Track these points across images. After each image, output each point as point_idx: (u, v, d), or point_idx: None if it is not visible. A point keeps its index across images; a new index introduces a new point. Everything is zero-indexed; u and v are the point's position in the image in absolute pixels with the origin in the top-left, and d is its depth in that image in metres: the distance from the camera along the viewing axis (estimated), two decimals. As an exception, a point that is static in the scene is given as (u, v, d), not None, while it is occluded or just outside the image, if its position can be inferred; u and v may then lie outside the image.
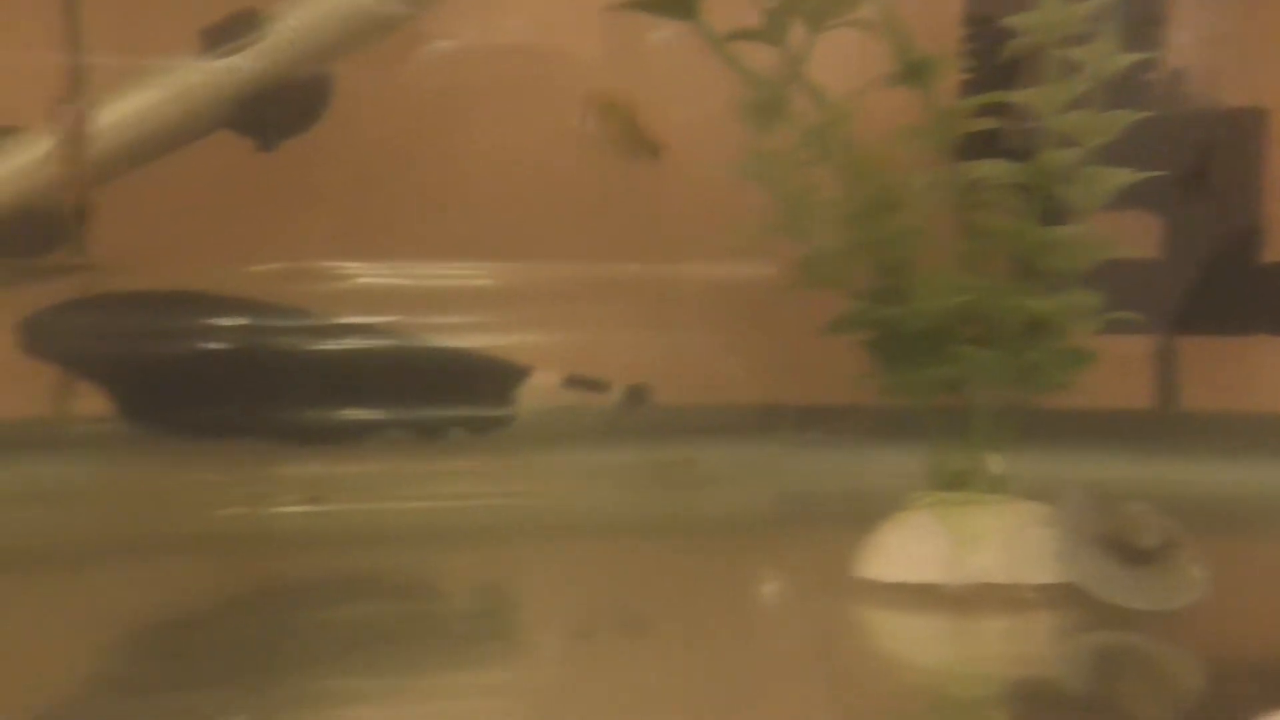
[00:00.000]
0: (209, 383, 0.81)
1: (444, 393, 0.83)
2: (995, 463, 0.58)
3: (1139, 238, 0.79)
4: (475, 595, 0.68)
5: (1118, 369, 0.66)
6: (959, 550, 0.55)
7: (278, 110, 0.79)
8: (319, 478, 0.79)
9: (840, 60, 0.56)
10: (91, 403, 0.80)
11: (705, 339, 0.83)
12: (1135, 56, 0.57)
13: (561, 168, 0.83)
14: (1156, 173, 0.58)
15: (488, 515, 0.79)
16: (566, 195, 0.82)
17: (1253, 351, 0.82)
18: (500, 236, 0.83)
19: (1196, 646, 0.53)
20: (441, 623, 0.59)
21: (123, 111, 0.77)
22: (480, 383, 0.84)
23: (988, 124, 0.58)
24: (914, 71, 0.57)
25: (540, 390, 0.82)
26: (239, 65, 0.75)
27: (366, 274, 0.82)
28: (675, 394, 0.84)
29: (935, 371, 0.57)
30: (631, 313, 0.82)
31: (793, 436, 0.83)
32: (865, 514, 0.57)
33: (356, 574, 0.70)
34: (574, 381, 0.84)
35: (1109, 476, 0.63)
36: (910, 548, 0.54)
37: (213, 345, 0.81)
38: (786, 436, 0.82)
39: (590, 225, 0.83)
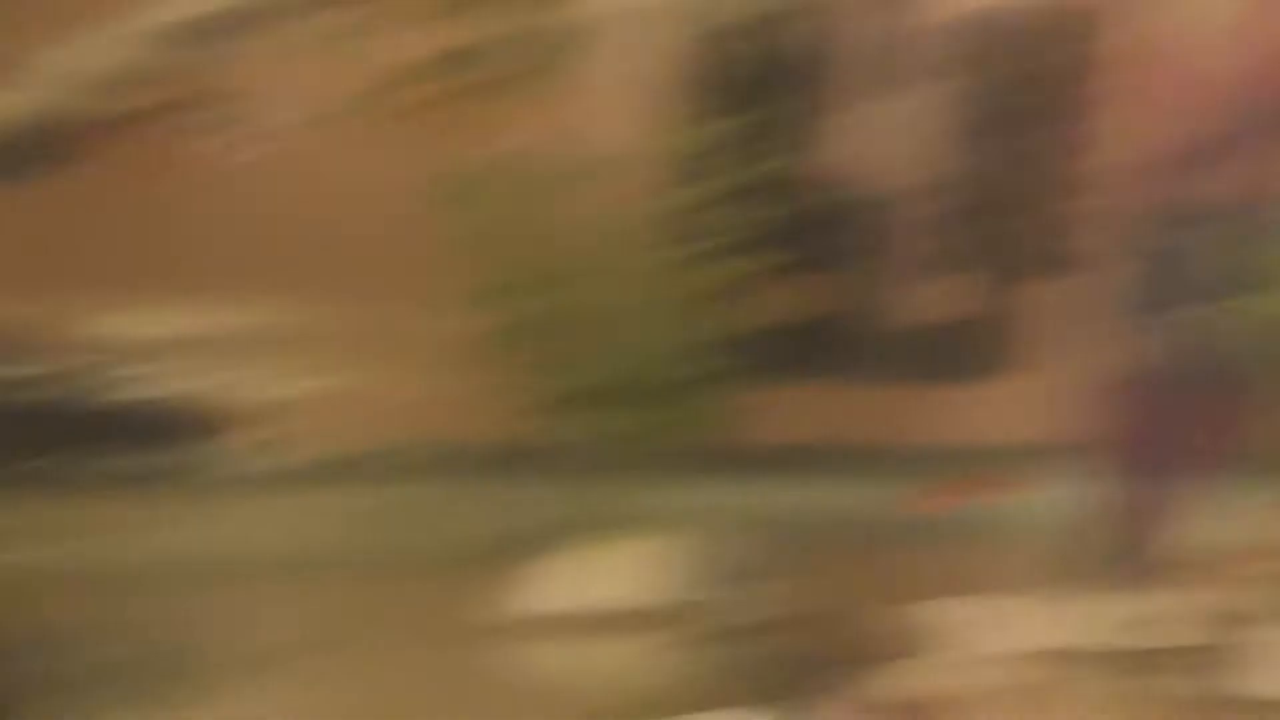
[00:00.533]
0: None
1: (138, 440, 0.83)
2: (639, 499, 0.64)
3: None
4: (163, 638, 0.68)
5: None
6: (602, 580, 0.61)
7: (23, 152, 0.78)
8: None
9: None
10: None
11: (396, 380, 0.82)
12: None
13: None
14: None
15: (183, 559, 0.79)
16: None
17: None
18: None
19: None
20: (130, 666, 0.61)
21: None
22: (173, 430, 0.83)
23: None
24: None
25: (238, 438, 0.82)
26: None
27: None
28: (372, 436, 0.87)
29: (593, 419, 0.63)
30: (324, 356, 0.82)
31: (468, 475, 0.87)
32: (529, 549, 0.65)
33: (52, 621, 0.68)
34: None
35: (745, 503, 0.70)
36: (564, 580, 0.62)
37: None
38: (465, 474, 0.86)
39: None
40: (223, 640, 0.67)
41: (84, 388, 0.80)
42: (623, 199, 0.67)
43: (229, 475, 0.79)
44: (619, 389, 0.65)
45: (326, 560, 0.79)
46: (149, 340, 0.80)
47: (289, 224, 0.79)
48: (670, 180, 0.67)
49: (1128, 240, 0.65)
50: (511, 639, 0.63)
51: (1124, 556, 0.66)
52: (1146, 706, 0.56)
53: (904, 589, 0.65)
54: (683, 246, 0.66)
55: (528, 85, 0.65)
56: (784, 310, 0.86)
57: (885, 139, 0.83)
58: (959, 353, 0.92)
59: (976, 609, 0.62)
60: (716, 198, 0.70)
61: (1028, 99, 0.80)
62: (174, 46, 0.71)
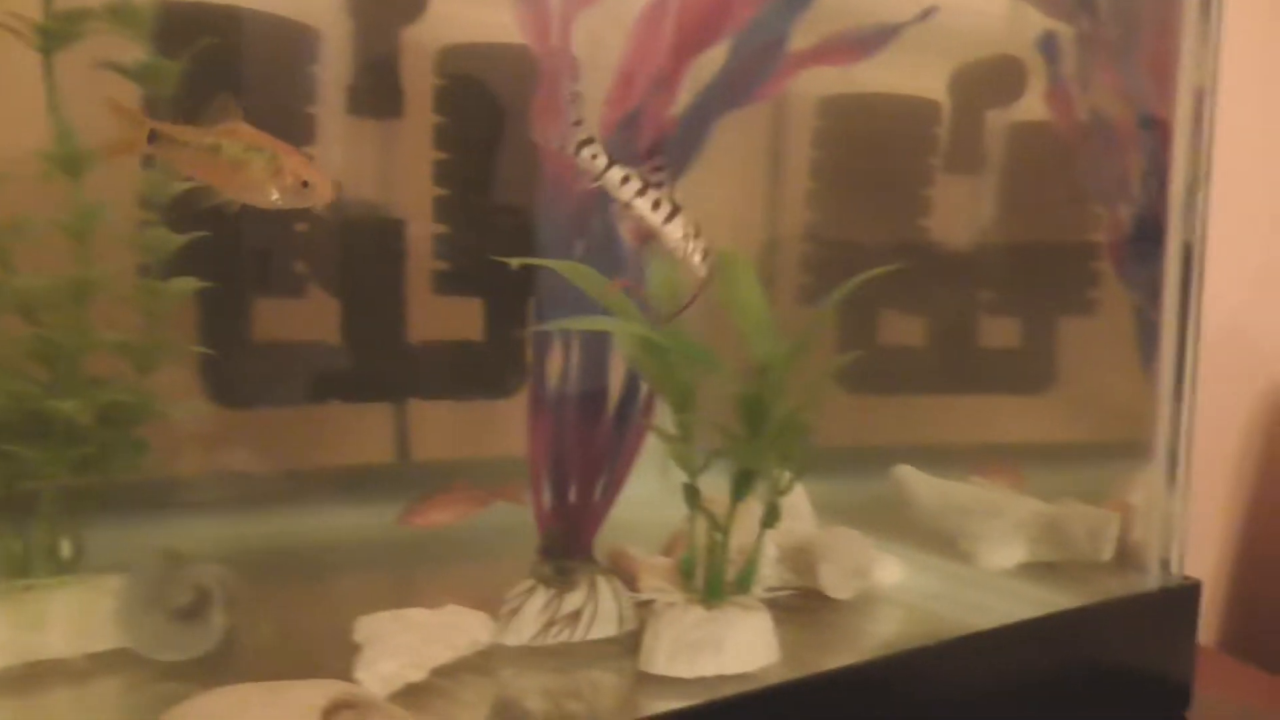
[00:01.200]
0: None
1: None
2: (64, 545, 0.64)
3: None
4: None
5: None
6: (20, 633, 0.60)
7: None
8: None
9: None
10: None
11: None
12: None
13: None
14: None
15: None
16: None
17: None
18: None
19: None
20: None
21: None
22: None
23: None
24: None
25: None
26: None
27: None
28: None
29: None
30: None
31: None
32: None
33: None
34: None
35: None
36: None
37: None
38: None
39: None
40: None
41: None
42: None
43: None
44: (19, 423, 0.58)
45: None
46: None
47: None
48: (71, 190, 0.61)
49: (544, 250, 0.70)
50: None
51: (554, 560, 0.70)
52: (575, 697, 0.60)
53: (362, 605, 0.64)
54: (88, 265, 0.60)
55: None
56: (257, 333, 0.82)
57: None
58: (459, 372, 0.95)
59: (421, 618, 0.63)
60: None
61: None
62: None
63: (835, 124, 1.16)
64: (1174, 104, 0.84)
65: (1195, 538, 1.61)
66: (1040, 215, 1.11)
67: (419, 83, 0.97)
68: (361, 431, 0.96)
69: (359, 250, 0.95)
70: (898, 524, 0.90)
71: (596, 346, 0.67)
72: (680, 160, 0.75)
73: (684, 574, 0.64)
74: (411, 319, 0.94)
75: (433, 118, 0.98)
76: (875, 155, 1.14)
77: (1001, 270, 1.14)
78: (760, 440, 0.61)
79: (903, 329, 1.15)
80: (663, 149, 0.73)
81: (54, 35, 0.64)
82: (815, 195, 1.16)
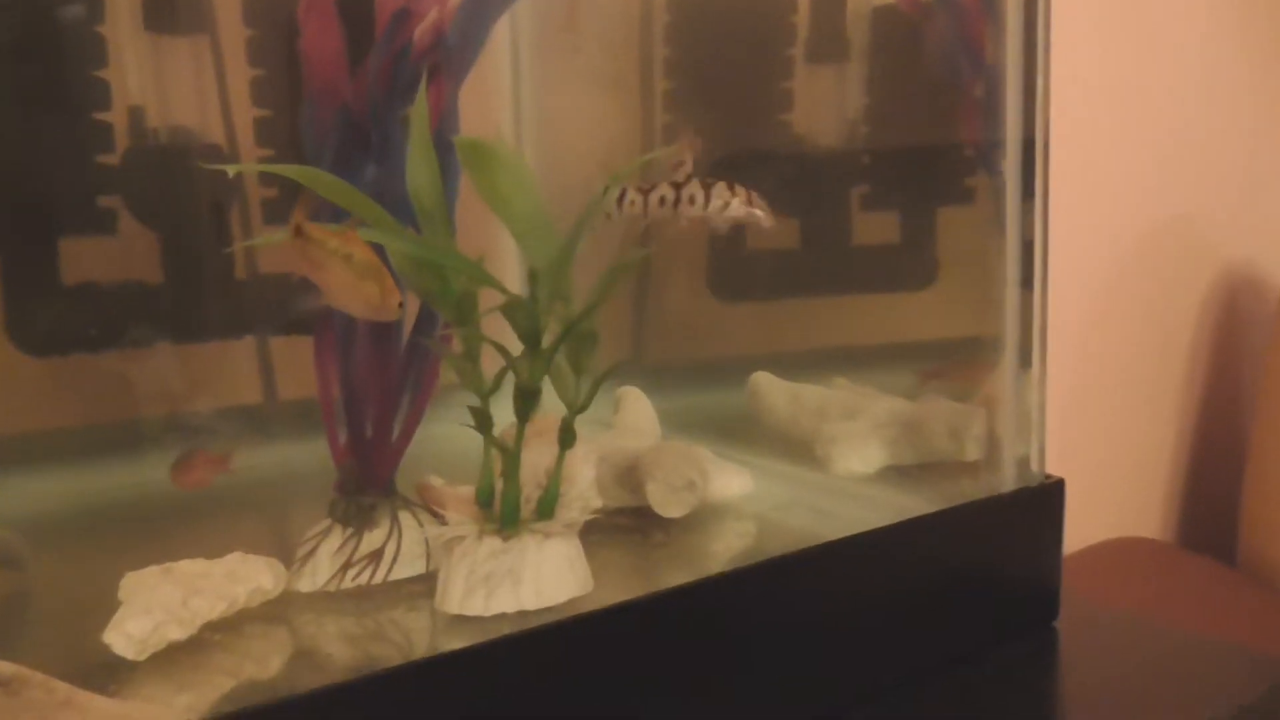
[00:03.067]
0: None
1: None
2: None
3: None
4: None
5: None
6: None
7: None
8: None
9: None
10: None
11: None
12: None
13: None
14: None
15: None
16: None
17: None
18: None
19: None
20: None
21: None
22: None
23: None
24: None
25: None
26: None
27: None
28: None
29: None
30: None
31: None
32: None
33: None
34: None
35: None
36: None
37: None
38: None
39: None
40: None
41: None
42: None
43: None
44: None
45: None
46: None
47: None
48: None
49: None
50: None
51: (350, 497, 0.66)
52: (361, 642, 0.55)
53: (148, 560, 0.59)
54: None
55: None
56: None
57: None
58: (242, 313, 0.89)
59: (196, 569, 0.58)
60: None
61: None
62: None
63: (687, 16, 1.09)
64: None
65: (1148, 431, 1.61)
66: (903, 103, 1.06)
67: None
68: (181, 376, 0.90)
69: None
70: (754, 434, 0.86)
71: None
72: (463, 55, 0.68)
73: (481, 504, 0.59)
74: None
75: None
76: (728, 48, 1.08)
77: (869, 164, 1.09)
78: (536, 354, 0.56)
79: (775, 231, 1.10)
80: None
81: None
82: (671, 98, 1.10)
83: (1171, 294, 1.59)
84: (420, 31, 0.67)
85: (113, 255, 0.88)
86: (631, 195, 0.59)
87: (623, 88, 1.12)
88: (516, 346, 0.57)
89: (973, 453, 0.79)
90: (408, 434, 0.65)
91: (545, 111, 1.08)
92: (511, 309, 0.54)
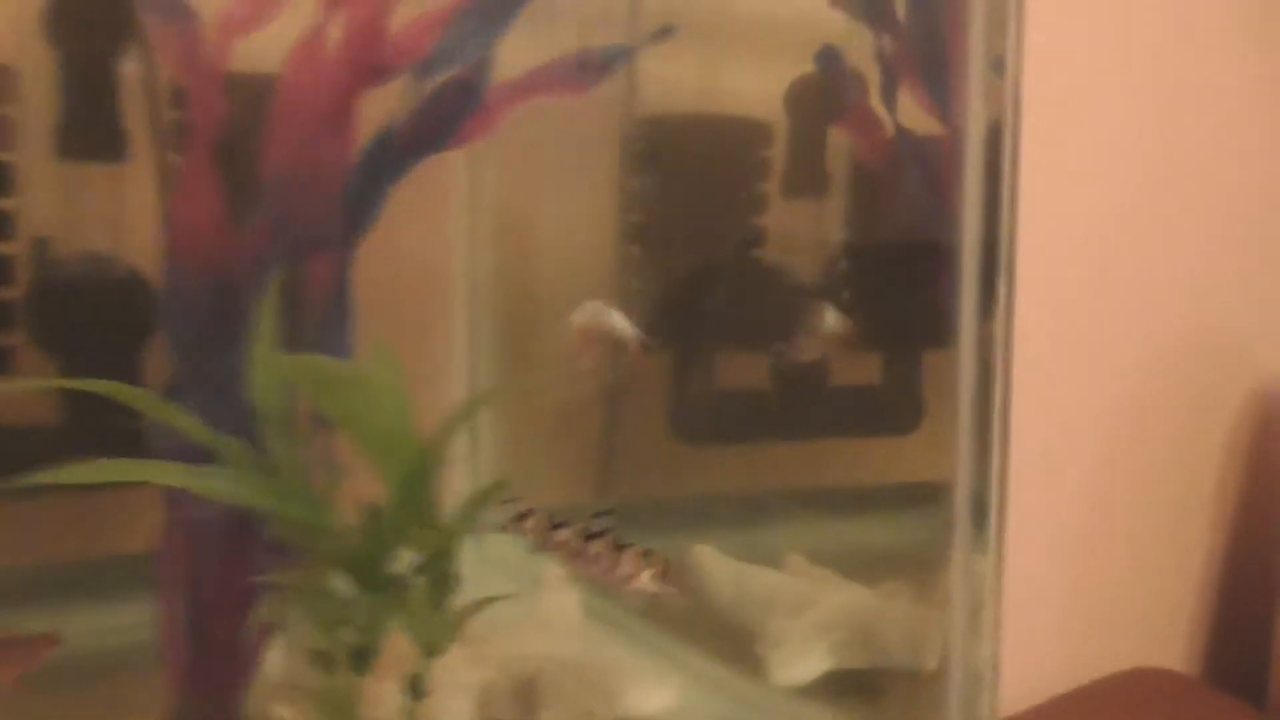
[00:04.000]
0: None
1: None
2: None
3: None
4: None
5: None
6: None
7: None
8: None
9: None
10: None
11: None
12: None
13: None
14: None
15: None
16: None
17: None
18: None
19: None
20: None
21: None
22: None
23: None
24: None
25: None
26: None
27: None
28: None
29: None
30: None
31: None
32: None
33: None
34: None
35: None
36: None
37: None
38: None
39: None
40: None
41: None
42: None
43: None
44: None
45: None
46: None
47: None
48: None
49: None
50: None
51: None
52: None
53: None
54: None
55: None
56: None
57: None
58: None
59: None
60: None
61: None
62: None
63: (657, 147, 1.02)
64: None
65: (1173, 554, 1.50)
66: (878, 241, 0.98)
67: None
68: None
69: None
70: (691, 617, 0.77)
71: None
72: (356, 220, 0.61)
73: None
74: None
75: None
76: (700, 180, 1.01)
77: (850, 302, 1.01)
78: (377, 598, 0.47)
79: (744, 370, 1.02)
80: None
81: None
82: (639, 229, 1.03)
83: (1201, 408, 1.48)
84: (307, 192, 0.60)
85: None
86: (533, 521, 0.52)
87: (597, 192, 1.05)
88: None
89: (930, 661, 0.69)
90: (257, 653, 0.56)
91: (509, 212, 1.01)
92: (338, 546, 0.46)
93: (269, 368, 0.48)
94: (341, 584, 0.49)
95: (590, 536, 0.50)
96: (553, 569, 0.77)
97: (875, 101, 0.82)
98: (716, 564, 0.79)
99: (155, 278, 0.85)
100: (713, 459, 1.02)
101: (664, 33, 0.62)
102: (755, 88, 1.00)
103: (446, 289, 1.01)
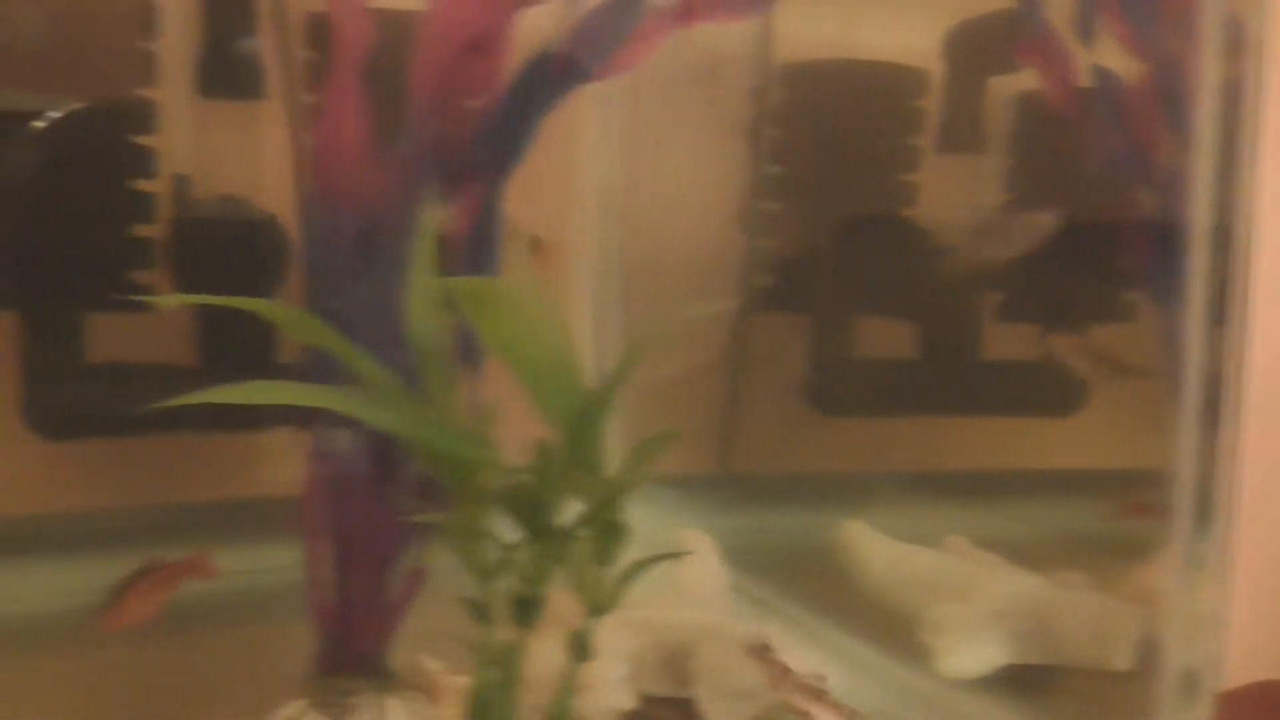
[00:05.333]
0: None
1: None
2: None
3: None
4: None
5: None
6: None
7: None
8: None
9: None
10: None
11: None
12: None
13: None
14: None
15: None
16: None
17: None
18: None
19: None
20: None
21: None
22: None
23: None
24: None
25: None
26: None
27: None
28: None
29: None
30: None
31: None
32: None
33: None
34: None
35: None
36: None
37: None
38: None
39: None
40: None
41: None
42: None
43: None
44: None
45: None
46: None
47: None
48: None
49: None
50: None
51: (330, 675, 0.54)
52: None
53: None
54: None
55: None
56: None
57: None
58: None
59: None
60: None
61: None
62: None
63: (802, 96, 0.96)
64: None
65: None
66: (1047, 202, 0.90)
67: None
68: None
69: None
70: (839, 595, 0.71)
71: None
72: (505, 152, 0.57)
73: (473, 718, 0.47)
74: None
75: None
76: (848, 133, 0.94)
77: (1009, 271, 0.93)
78: (541, 547, 0.43)
79: (887, 339, 0.96)
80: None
81: None
82: (780, 183, 0.97)
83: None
84: (455, 123, 0.56)
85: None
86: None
87: (729, 144, 1.00)
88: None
89: (1127, 660, 0.62)
90: (406, 600, 0.53)
91: (643, 166, 0.97)
92: (513, 492, 0.42)
93: (427, 294, 0.44)
94: (500, 529, 0.45)
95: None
96: (693, 537, 0.72)
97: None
98: (870, 541, 0.73)
99: (288, 217, 0.84)
100: (850, 433, 0.96)
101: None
102: (900, 32, 0.93)
103: (568, 246, 0.97)
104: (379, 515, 0.52)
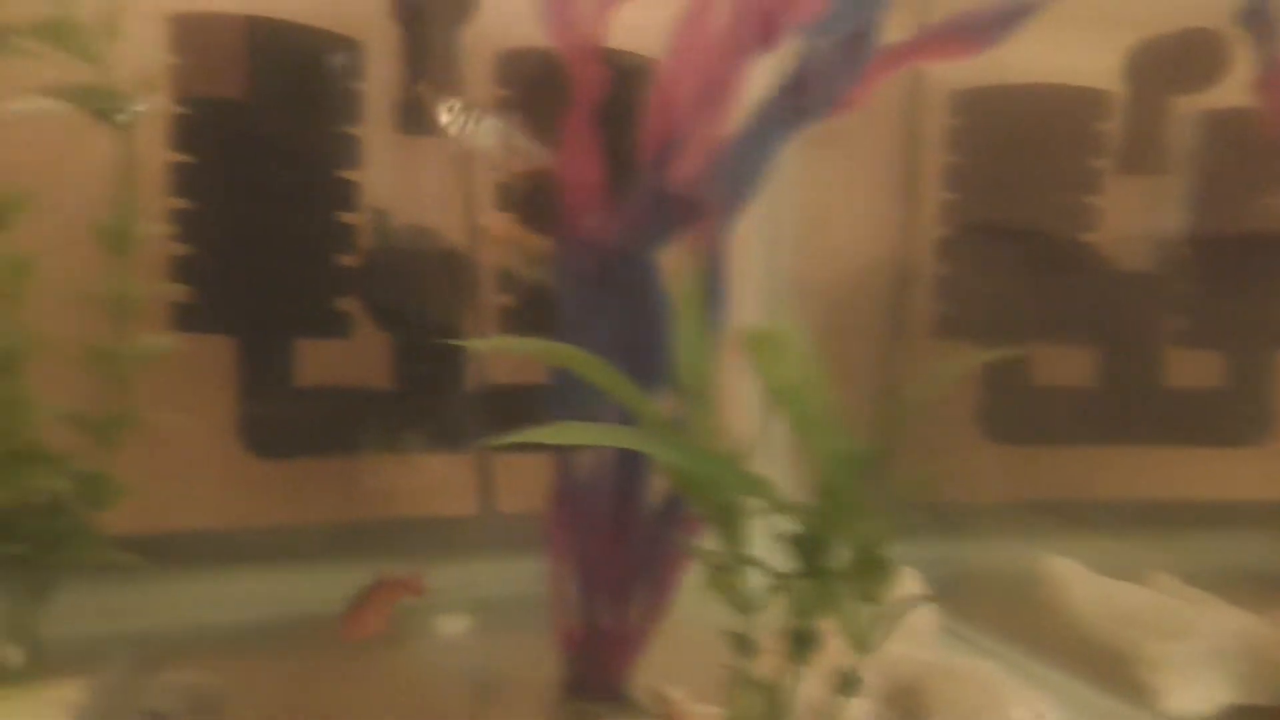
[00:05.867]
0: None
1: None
2: (13, 654, 0.56)
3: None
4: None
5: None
6: None
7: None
8: None
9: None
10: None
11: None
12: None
13: None
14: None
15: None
16: None
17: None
18: None
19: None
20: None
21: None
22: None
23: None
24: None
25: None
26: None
27: None
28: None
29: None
30: None
31: None
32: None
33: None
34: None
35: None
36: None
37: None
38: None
39: None
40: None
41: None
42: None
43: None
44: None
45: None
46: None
47: None
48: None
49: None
50: None
51: (577, 700, 0.56)
52: None
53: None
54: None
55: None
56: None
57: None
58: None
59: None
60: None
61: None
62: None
63: (976, 121, 0.95)
64: None
65: None
66: (1245, 229, 0.87)
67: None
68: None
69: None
70: (1047, 635, 0.71)
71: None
72: (738, 190, 0.58)
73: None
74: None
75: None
76: (1026, 157, 0.93)
77: (1193, 296, 0.91)
78: (821, 583, 0.44)
79: (1066, 366, 0.94)
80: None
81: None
82: (952, 210, 0.96)
83: None
84: (688, 164, 0.58)
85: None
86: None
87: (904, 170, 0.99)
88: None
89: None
90: (648, 628, 0.55)
91: (811, 207, 0.97)
92: (796, 531, 0.43)
93: (696, 335, 0.45)
94: (763, 565, 0.46)
95: None
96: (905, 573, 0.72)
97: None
98: (1076, 577, 0.72)
99: (472, 247, 0.87)
100: (1029, 461, 0.95)
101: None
102: (1072, 56, 0.92)
103: (744, 275, 0.99)
104: (622, 541, 0.54)
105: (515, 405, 0.86)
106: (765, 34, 0.58)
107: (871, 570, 0.45)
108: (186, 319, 0.76)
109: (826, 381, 0.46)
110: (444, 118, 0.63)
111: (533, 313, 0.87)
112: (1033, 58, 0.90)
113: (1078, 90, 0.93)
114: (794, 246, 0.99)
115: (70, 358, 0.60)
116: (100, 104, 0.53)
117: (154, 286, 0.64)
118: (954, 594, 0.74)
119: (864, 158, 1.01)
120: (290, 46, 0.82)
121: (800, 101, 0.57)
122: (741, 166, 0.57)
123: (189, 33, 0.76)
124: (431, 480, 0.87)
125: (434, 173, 0.88)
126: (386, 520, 0.87)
